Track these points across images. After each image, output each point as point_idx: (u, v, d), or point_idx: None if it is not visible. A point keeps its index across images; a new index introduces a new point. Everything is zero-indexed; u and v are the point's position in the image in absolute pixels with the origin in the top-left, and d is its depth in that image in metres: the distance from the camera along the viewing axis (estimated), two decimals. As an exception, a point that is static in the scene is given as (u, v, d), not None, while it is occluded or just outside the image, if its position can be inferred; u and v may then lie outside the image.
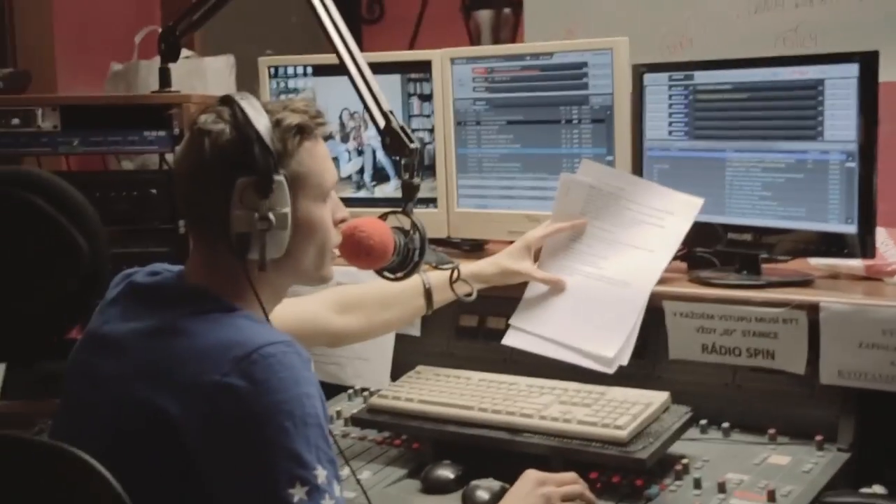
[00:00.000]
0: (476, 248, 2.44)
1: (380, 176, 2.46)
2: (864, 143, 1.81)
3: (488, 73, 2.30)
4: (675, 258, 2.10)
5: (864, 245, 1.83)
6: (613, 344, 1.90)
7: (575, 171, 2.12)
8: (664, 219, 1.98)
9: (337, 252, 1.60)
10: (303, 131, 1.46)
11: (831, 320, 1.76)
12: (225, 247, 1.43)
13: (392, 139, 1.83)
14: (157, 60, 2.68)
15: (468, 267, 2.01)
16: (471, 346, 2.17)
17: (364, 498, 1.65)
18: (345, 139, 2.48)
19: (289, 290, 1.59)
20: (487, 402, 1.86)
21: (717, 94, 2.01)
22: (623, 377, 1.89)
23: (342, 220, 1.57)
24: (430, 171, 2.37)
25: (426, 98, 2.37)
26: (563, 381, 1.92)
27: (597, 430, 1.72)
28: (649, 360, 1.96)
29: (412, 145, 1.82)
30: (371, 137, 2.43)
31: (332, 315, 1.95)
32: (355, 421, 1.97)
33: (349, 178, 2.48)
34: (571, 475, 1.65)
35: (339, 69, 1.88)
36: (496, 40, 3.73)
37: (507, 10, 3.74)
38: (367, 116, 1.90)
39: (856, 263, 1.96)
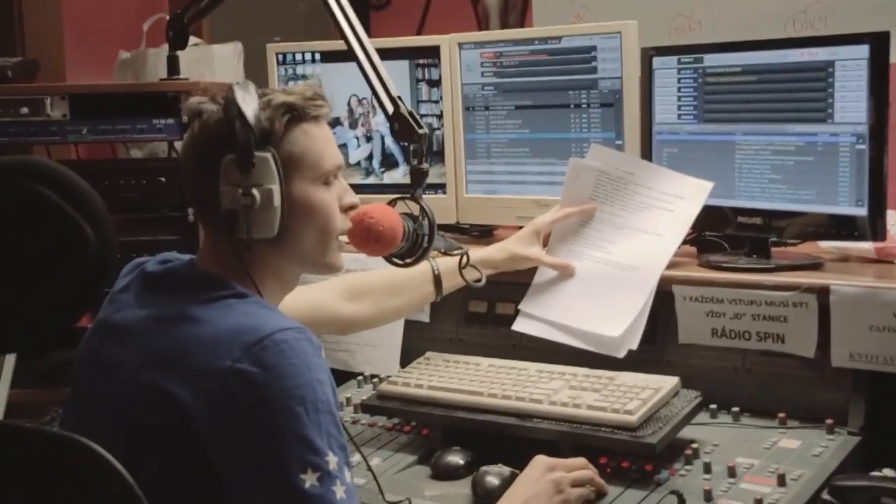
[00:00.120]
0: (485, 234, 2.43)
1: (388, 162, 2.46)
2: (875, 125, 1.80)
3: (497, 58, 2.29)
4: (685, 242, 2.10)
5: (874, 228, 1.82)
6: (623, 329, 1.90)
7: (584, 155, 2.12)
8: (673, 203, 1.98)
9: (346, 239, 1.60)
10: (293, 110, 1.47)
11: (842, 303, 1.75)
12: (225, 231, 1.45)
13: (401, 125, 1.83)
14: (165, 48, 2.68)
15: (477, 253, 2.01)
16: (480, 331, 2.17)
17: (374, 484, 1.66)
18: (353, 125, 2.47)
19: (302, 278, 1.59)
20: (497, 388, 1.86)
21: (727, 77, 2.00)
22: (632, 362, 1.89)
23: (351, 207, 1.57)
24: (438, 156, 2.37)
25: (434, 83, 2.36)
26: (573, 366, 1.92)
27: (606, 416, 1.72)
28: (659, 344, 1.96)
29: (421, 131, 1.82)
30: (379, 123, 2.43)
31: (342, 302, 1.95)
32: (365, 408, 1.97)
33: (358, 164, 2.48)
34: (581, 460, 1.65)
35: (347, 55, 1.88)
36: (504, 25, 3.71)
37: (515, -5, 3.73)
38: (375, 102, 1.90)
39: (866, 246, 1.96)
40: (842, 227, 1.87)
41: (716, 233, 2.11)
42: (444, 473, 1.78)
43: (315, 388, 1.32)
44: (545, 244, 2.08)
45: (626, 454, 1.72)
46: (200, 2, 2.54)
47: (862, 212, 1.82)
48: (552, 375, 1.89)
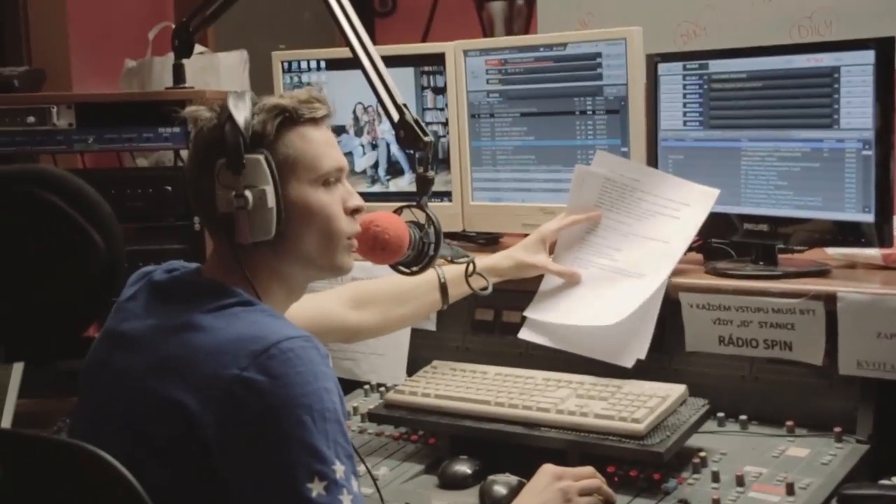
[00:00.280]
0: (491, 242, 2.43)
1: (394, 170, 2.46)
2: (881, 131, 1.79)
3: (502, 65, 2.29)
4: (692, 249, 2.10)
5: (881, 234, 1.82)
6: (620, 318, 1.89)
7: (589, 162, 2.11)
8: (679, 210, 1.97)
9: (354, 244, 1.59)
10: (285, 112, 1.47)
11: (849, 310, 1.75)
12: (225, 236, 1.46)
13: (406, 132, 1.83)
14: (170, 57, 2.69)
15: (483, 260, 2.01)
16: (487, 340, 2.17)
17: (379, 495, 1.65)
18: (359, 133, 2.47)
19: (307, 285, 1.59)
20: (504, 397, 1.85)
21: (732, 83, 1.99)
22: (640, 370, 1.88)
23: (356, 210, 1.56)
24: (444, 164, 2.37)
25: (440, 91, 2.37)
26: (580, 374, 1.92)
27: (614, 424, 1.72)
28: (666, 352, 1.96)
29: (426, 138, 1.82)
30: (385, 131, 2.43)
31: (347, 311, 1.95)
32: (372, 417, 1.97)
33: (363, 172, 2.48)
34: (589, 469, 1.65)
35: (353, 63, 1.88)
36: (509, 32, 3.72)
37: (520, 2, 3.73)
38: (380, 110, 1.90)
39: (873, 253, 1.95)
40: (848, 234, 1.86)
41: (722, 240, 2.10)
42: (452, 483, 1.77)
43: (322, 397, 1.32)
44: (551, 252, 2.08)
45: (633, 463, 1.71)
46: (206, 10, 2.55)
47: (869, 218, 1.82)
48: (559, 384, 1.89)
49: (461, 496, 1.74)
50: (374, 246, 1.75)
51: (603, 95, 2.16)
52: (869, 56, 1.79)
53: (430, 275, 1.94)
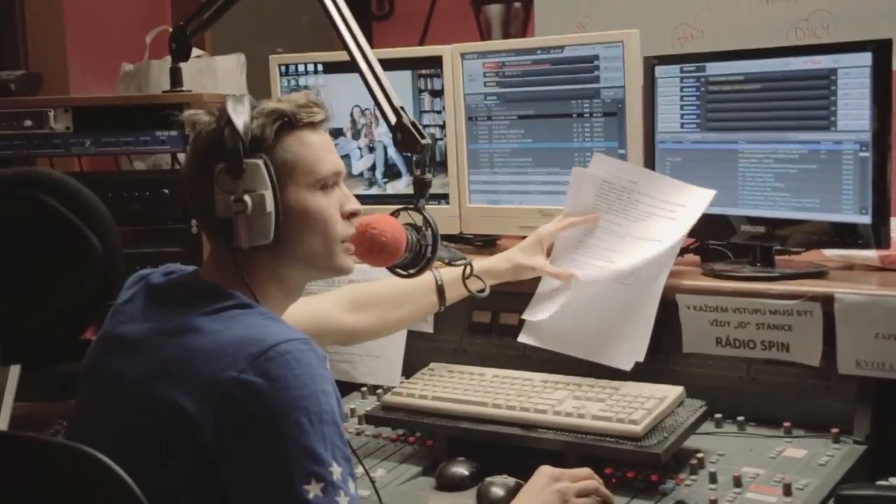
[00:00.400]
0: (488, 244, 2.43)
1: (391, 172, 2.46)
2: (878, 133, 1.79)
3: (499, 68, 2.29)
4: (689, 251, 2.10)
5: (878, 235, 1.82)
6: (630, 340, 1.90)
7: (587, 165, 2.12)
8: (676, 212, 1.98)
9: (351, 247, 1.60)
10: (284, 117, 1.47)
11: (846, 311, 1.75)
12: (223, 240, 1.46)
13: (403, 135, 1.83)
14: (168, 60, 2.69)
15: (481, 263, 2.01)
16: (484, 342, 2.17)
17: (378, 496, 1.65)
18: (356, 136, 2.47)
19: (304, 289, 1.59)
20: (501, 399, 1.86)
21: (729, 86, 2.00)
22: (637, 372, 1.89)
23: (353, 214, 1.57)
24: (441, 166, 2.37)
25: (437, 94, 2.37)
26: (577, 376, 1.92)
27: (611, 426, 1.72)
28: (663, 353, 1.96)
29: (423, 141, 1.82)
30: (382, 134, 2.43)
31: (345, 313, 1.95)
32: (369, 419, 1.97)
33: (361, 175, 2.48)
34: (586, 471, 1.65)
35: (350, 66, 1.88)
36: (506, 35, 3.72)
37: (517, 5, 3.73)
38: (378, 113, 1.90)
39: (870, 254, 1.95)
40: (846, 235, 1.87)
41: (719, 241, 2.11)
42: (449, 484, 1.77)
43: (320, 399, 1.32)
44: (549, 254, 2.08)
45: (631, 464, 1.71)
46: (203, 14, 2.55)
47: (866, 219, 1.82)
48: (556, 385, 1.89)
49: (459, 498, 1.74)
50: (372, 248, 1.75)
51: (600, 98, 2.16)
52: (866, 58, 1.80)
53: (427, 277, 1.94)
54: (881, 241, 1.82)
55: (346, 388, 2.21)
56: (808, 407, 1.82)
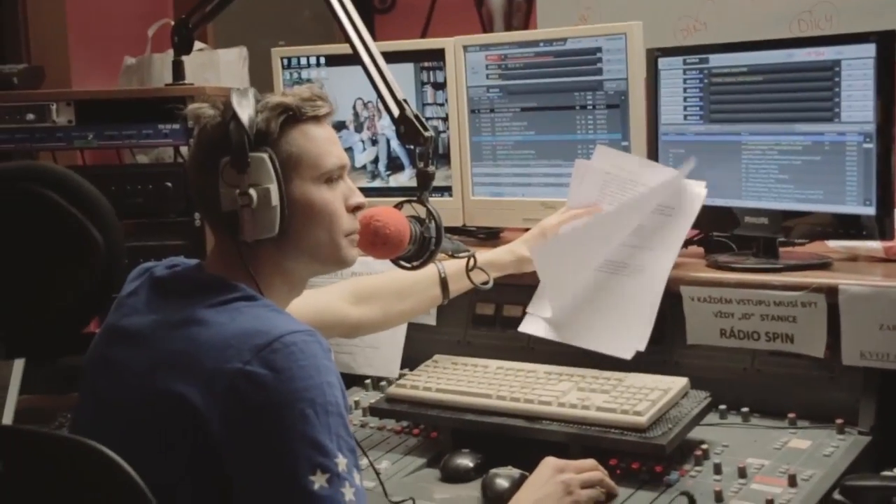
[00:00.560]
0: (491, 236, 2.43)
1: (394, 165, 2.45)
2: (882, 124, 1.79)
3: (502, 60, 2.29)
4: (693, 243, 2.10)
5: (882, 226, 1.82)
6: (631, 329, 1.90)
7: (590, 157, 2.11)
8: (680, 203, 1.97)
9: (356, 239, 1.59)
10: (289, 111, 1.48)
11: (851, 303, 1.75)
12: (228, 233, 1.46)
13: (406, 128, 1.83)
14: (170, 53, 2.69)
15: (484, 255, 2.01)
16: (488, 334, 2.17)
17: (382, 487, 1.65)
18: (359, 129, 2.47)
19: (308, 282, 1.59)
20: (505, 390, 1.86)
21: (733, 77, 1.99)
22: (641, 363, 1.88)
23: (357, 207, 1.57)
24: (444, 159, 2.37)
25: (440, 86, 2.36)
26: (581, 367, 1.92)
27: (616, 417, 1.72)
28: (667, 345, 1.96)
29: (426, 134, 1.82)
30: (385, 127, 2.43)
31: (348, 306, 1.95)
32: (374, 411, 1.97)
33: (364, 167, 2.48)
34: (591, 462, 1.65)
35: (353, 59, 1.88)
36: (509, 27, 3.72)
37: (519, -3, 3.73)
38: (380, 106, 1.90)
39: (874, 245, 1.95)
40: (850, 227, 1.86)
41: (723, 233, 2.10)
42: (454, 476, 1.77)
43: (325, 391, 1.32)
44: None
45: (635, 455, 1.71)
46: (205, 7, 2.55)
47: (870, 211, 1.82)
48: (561, 377, 1.89)
49: (463, 489, 1.74)
50: (375, 241, 1.75)
51: (603, 90, 2.16)
52: (870, 49, 1.79)
53: (430, 269, 1.94)
54: (885, 232, 1.82)
55: (349, 380, 2.21)
56: (813, 398, 1.82)
